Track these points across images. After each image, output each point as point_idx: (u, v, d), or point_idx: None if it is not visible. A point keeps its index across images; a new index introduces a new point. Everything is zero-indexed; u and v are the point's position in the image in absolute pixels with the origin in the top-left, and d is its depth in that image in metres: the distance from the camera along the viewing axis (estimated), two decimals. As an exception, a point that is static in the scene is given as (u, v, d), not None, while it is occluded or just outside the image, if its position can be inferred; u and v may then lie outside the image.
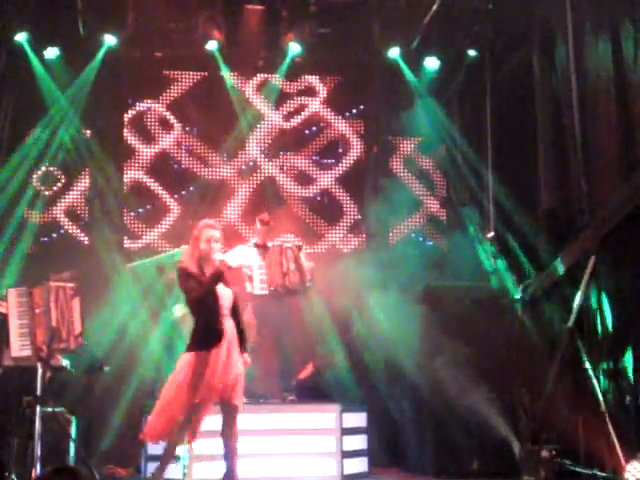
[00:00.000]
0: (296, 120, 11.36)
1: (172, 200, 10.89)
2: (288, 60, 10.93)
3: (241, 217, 10.94)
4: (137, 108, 10.97)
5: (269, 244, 9.04)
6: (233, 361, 6.54)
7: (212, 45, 10.65)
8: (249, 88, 11.27)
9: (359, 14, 10.63)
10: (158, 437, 6.60)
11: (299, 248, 9.00)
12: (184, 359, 6.49)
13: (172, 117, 11.02)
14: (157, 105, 11.01)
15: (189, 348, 6.51)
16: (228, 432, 6.70)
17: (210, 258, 6.53)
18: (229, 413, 6.67)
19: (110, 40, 10.37)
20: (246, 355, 6.76)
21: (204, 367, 6.39)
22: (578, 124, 9.03)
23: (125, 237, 10.62)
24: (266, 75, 11.28)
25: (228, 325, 6.56)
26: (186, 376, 6.40)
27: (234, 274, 8.95)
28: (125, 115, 10.93)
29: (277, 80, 11.23)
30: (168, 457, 6.67)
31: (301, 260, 8.88)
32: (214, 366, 6.41)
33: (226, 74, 10.95)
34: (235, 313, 6.70)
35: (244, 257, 8.96)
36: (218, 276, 6.48)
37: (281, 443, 8.06)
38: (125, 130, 10.89)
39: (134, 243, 10.64)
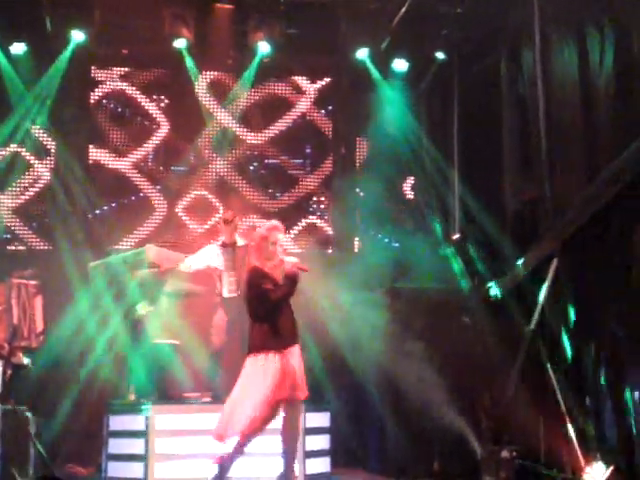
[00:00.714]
0: (265, 120, 11.32)
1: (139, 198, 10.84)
2: (257, 60, 10.88)
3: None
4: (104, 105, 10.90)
5: (240, 243, 8.98)
6: (296, 359, 6.60)
7: (180, 43, 10.59)
8: (217, 86, 11.22)
9: (328, 15, 10.62)
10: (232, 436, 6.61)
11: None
12: (256, 360, 6.52)
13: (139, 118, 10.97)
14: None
15: (260, 348, 6.53)
16: (292, 430, 6.76)
17: (274, 259, 6.59)
18: (295, 410, 6.72)
19: (78, 37, 10.28)
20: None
21: (278, 366, 6.46)
22: (543, 128, 9.09)
23: (87, 235, 10.52)
24: (234, 74, 11.23)
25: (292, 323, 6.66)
26: (264, 376, 6.45)
27: (205, 274, 8.98)
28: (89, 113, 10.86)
29: (246, 79, 11.19)
30: (236, 456, 6.69)
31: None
32: (286, 365, 6.49)
33: (193, 72, 10.88)
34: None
35: (209, 258, 8.95)
36: (297, 279, 6.54)
37: (243, 443, 8.02)
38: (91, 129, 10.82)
39: (97, 242, 10.55)
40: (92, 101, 10.92)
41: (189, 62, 10.76)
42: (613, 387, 7.74)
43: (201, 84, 11.09)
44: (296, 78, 11.41)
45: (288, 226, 11.00)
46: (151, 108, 11.05)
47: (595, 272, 8.25)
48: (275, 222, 6.86)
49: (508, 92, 10.28)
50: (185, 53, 10.70)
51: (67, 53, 10.32)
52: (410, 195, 11.46)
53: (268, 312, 6.56)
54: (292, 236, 11.16)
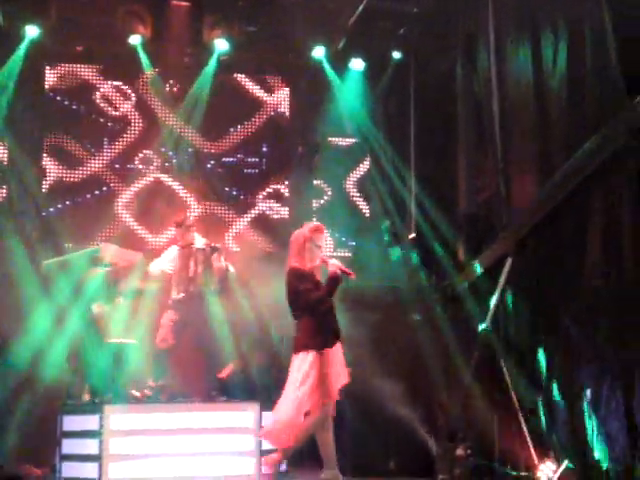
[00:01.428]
0: (221, 118, 11.29)
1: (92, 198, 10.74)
2: (215, 58, 10.84)
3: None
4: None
5: (198, 245, 8.95)
6: (338, 358, 6.63)
7: (135, 40, 10.51)
8: (173, 84, 11.16)
9: (286, 14, 10.61)
10: (287, 438, 6.61)
11: (214, 249, 8.90)
12: (305, 359, 6.51)
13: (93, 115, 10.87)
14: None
15: (308, 347, 6.52)
16: (331, 431, 6.73)
17: (315, 261, 6.60)
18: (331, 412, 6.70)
19: (32, 32, 10.15)
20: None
21: (328, 366, 6.47)
22: (498, 129, 9.19)
23: (43, 233, 10.41)
24: (191, 71, 11.18)
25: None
26: (315, 376, 6.46)
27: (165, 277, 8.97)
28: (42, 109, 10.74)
29: (205, 78, 11.15)
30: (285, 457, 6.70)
31: (213, 263, 8.82)
32: (337, 364, 6.52)
33: (148, 69, 10.80)
34: None
35: (171, 260, 8.92)
36: (339, 280, 6.53)
37: (199, 442, 8.00)
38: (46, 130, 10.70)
39: (48, 241, 10.44)
40: (45, 97, 10.77)
41: (144, 59, 10.67)
42: (566, 385, 7.83)
43: (156, 81, 11.00)
44: (254, 76, 11.35)
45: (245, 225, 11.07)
46: (106, 106, 10.93)
47: (549, 271, 8.35)
48: (318, 223, 6.89)
49: (463, 92, 10.37)
50: (140, 50, 10.60)
51: (22, 49, 10.18)
52: (365, 195, 11.46)
53: (308, 312, 6.56)
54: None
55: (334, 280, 6.57)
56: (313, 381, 6.48)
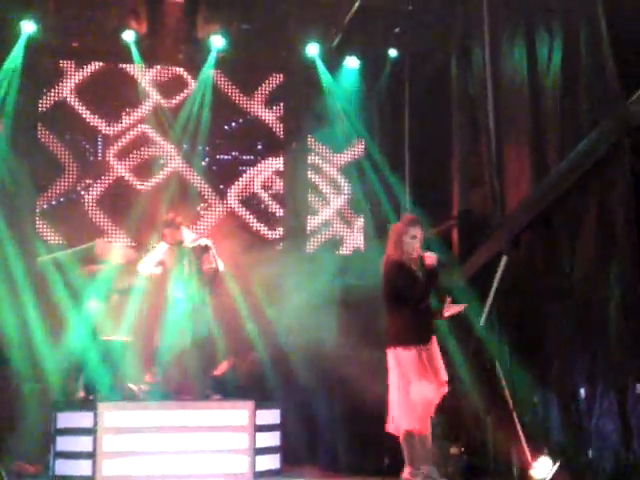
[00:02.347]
0: (217, 115, 11.26)
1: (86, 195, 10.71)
2: (213, 55, 10.81)
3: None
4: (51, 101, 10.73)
5: (188, 243, 8.94)
6: (435, 352, 6.56)
7: (129, 36, 10.49)
8: (166, 81, 11.14)
9: (280, 10, 10.61)
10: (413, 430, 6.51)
11: (204, 249, 8.88)
12: (403, 355, 6.44)
13: (85, 110, 10.82)
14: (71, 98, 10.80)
15: (405, 342, 6.45)
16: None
17: (412, 253, 6.51)
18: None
19: (28, 28, 10.12)
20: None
21: (427, 360, 6.40)
22: (493, 127, 9.19)
23: (36, 230, 10.38)
24: (185, 69, 11.17)
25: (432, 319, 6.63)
26: (416, 372, 6.39)
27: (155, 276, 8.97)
28: (39, 107, 10.69)
29: (197, 75, 11.14)
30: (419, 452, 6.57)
31: (203, 263, 8.81)
32: (435, 359, 6.46)
33: (139, 66, 10.75)
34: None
35: (161, 257, 8.92)
36: (436, 274, 6.49)
37: (193, 440, 8.01)
38: (39, 123, 10.65)
39: (45, 236, 10.41)
40: (41, 94, 10.74)
41: (136, 55, 10.63)
42: (560, 384, 7.84)
43: (149, 77, 10.97)
44: (248, 73, 11.32)
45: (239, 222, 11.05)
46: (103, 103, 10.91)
47: (543, 269, 8.37)
48: (414, 215, 6.83)
49: (458, 91, 10.38)
50: (133, 46, 10.56)
51: (21, 45, 10.14)
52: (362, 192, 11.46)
53: (406, 307, 6.50)
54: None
55: (433, 275, 6.51)
56: (414, 376, 6.43)
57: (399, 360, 6.49)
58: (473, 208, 9.93)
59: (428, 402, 6.49)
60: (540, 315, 8.23)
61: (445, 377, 6.52)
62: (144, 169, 10.95)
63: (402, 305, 6.53)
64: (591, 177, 7.64)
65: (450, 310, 6.69)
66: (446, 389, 6.58)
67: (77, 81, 10.77)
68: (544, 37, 8.57)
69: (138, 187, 10.85)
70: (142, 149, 10.97)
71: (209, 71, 10.97)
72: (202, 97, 10.98)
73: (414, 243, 6.53)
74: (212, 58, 10.85)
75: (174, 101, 11.09)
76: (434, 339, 6.59)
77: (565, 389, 7.73)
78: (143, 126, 10.95)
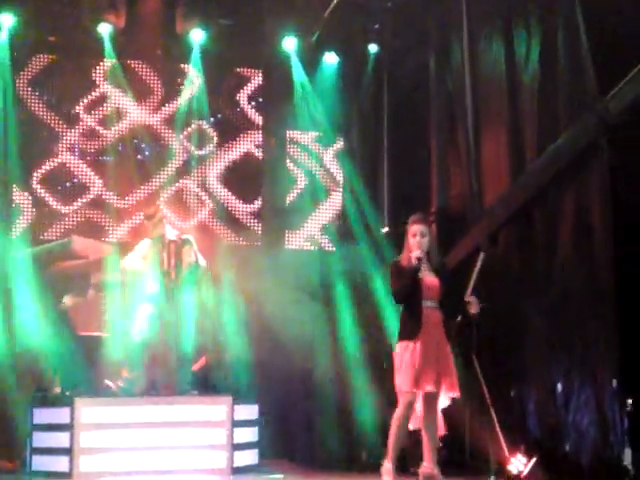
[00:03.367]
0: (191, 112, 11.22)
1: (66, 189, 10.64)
2: (197, 50, 10.76)
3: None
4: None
5: (171, 237, 8.91)
6: (444, 351, 6.53)
7: (104, 29, 10.42)
8: (147, 76, 11.08)
9: (258, 6, 10.59)
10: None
11: (185, 242, 8.85)
12: (397, 349, 6.53)
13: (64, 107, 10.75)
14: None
15: (398, 338, 6.54)
16: (431, 424, 6.55)
17: (412, 251, 6.52)
18: (433, 404, 6.54)
19: (7, 21, 10.04)
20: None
21: (412, 356, 6.38)
22: (471, 123, 9.23)
23: (12, 225, 10.28)
24: (166, 64, 11.12)
25: (434, 314, 6.55)
26: (399, 365, 6.45)
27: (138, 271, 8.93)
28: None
29: (177, 70, 11.10)
30: (393, 448, 6.56)
31: (183, 255, 8.79)
32: (424, 356, 6.39)
33: (111, 58, 10.66)
34: (443, 301, 6.65)
35: (145, 253, 8.89)
36: (413, 271, 6.45)
37: (171, 436, 7.99)
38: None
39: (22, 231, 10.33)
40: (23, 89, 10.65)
41: (108, 49, 10.52)
42: (537, 377, 7.89)
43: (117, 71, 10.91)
44: (227, 68, 11.29)
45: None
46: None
47: (520, 265, 8.41)
48: (416, 214, 6.79)
49: (437, 87, 10.40)
50: (107, 41, 10.47)
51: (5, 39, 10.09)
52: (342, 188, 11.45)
53: (403, 304, 6.59)
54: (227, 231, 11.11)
55: (410, 272, 6.50)
56: (398, 371, 6.49)
57: (395, 354, 6.60)
58: (451, 204, 9.96)
59: (412, 396, 6.50)
60: (517, 310, 8.27)
61: (436, 373, 6.44)
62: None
63: (397, 303, 6.68)
64: (569, 173, 7.69)
65: (473, 307, 6.81)
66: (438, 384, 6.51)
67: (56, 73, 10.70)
68: (522, 34, 8.62)
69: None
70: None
71: (195, 66, 10.94)
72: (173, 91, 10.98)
73: (415, 242, 6.56)
74: (196, 53, 10.79)
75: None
76: (430, 336, 6.51)
77: (542, 383, 7.77)
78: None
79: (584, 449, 7.12)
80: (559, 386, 7.49)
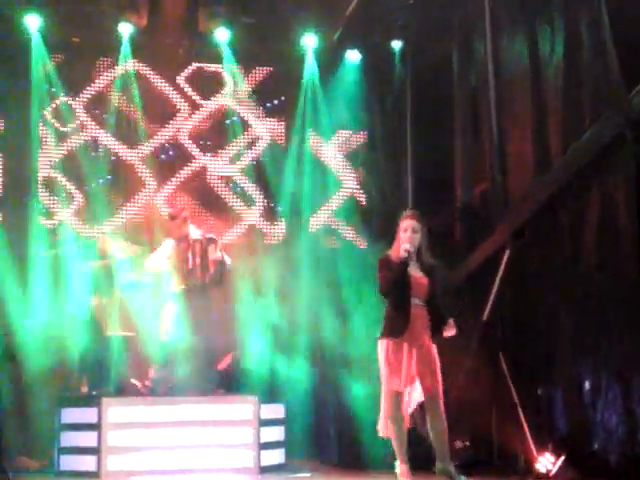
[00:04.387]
0: (215, 109, 11.24)
1: (89, 189, 10.66)
2: (228, 49, 10.81)
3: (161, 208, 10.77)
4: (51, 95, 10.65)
5: (195, 236, 8.94)
6: (429, 350, 6.53)
7: (125, 29, 10.44)
8: (168, 76, 11.12)
9: (281, 3, 10.59)
10: (385, 429, 6.60)
11: (209, 241, 8.89)
12: (378, 346, 6.55)
13: (89, 104, 10.77)
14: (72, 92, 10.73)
15: (381, 335, 6.56)
16: (433, 423, 6.54)
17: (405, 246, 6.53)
18: (432, 404, 6.53)
19: (34, 22, 10.07)
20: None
21: (397, 354, 6.43)
22: (495, 120, 9.18)
23: (39, 225, 10.33)
24: (187, 64, 11.15)
25: (421, 313, 6.56)
26: (384, 364, 6.49)
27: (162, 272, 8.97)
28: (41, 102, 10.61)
29: (198, 69, 11.14)
30: (397, 448, 6.59)
31: (208, 254, 8.80)
32: (408, 353, 6.42)
33: (126, 57, 10.63)
34: (431, 301, 6.64)
35: (168, 253, 8.92)
36: (400, 267, 6.47)
37: (198, 435, 8.02)
38: (40, 119, 10.59)
39: (49, 232, 10.36)
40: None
41: (125, 48, 10.52)
42: (564, 375, 7.84)
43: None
44: (250, 66, 11.29)
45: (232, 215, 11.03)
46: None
47: (546, 262, 8.36)
48: (409, 210, 6.85)
49: (460, 83, 10.36)
50: (126, 39, 10.48)
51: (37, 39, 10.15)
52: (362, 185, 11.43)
53: (384, 298, 6.59)
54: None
55: (396, 265, 6.52)
56: (382, 368, 6.54)
57: (378, 351, 6.60)
58: (475, 201, 9.92)
59: (395, 394, 6.52)
60: (543, 308, 8.23)
61: (416, 371, 6.45)
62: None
63: (384, 297, 6.65)
64: (593, 169, 7.63)
65: (449, 332, 6.72)
66: (422, 384, 6.50)
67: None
68: (546, 29, 8.56)
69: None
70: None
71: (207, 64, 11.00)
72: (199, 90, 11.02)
73: (405, 236, 6.56)
74: (227, 52, 10.84)
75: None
76: (413, 334, 6.52)
77: (569, 382, 7.73)
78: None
79: (612, 447, 7.06)
80: (586, 384, 7.44)
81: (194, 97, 11.11)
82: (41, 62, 10.27)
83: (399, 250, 6.53)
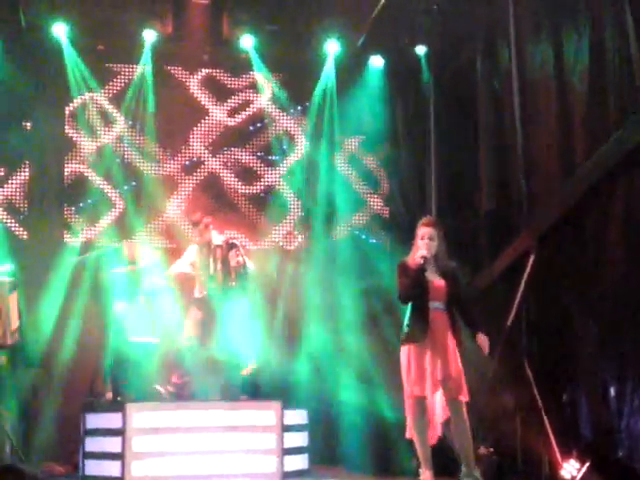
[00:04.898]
0: (241, 116, 11.29)
1: (115, 195, 10.72)
2: (256, 56, 10.91)
3: (184, 214, 10.81)
4: (79, 101, 10.74)
5: (217, 241, 8.97)
6: (452, 354, 6.55)
7: (150, 37, 10.52)
8: (192, 83, 11.17)
9: (304, 11, 10.61)
10: (410, 434, 6.65)
11: (231, 246, 8.91)
12: (401, 352, 6.60)
13: (115, 111, 10.83)
14: (100, 97, 10.81)
15: (402, 340, 6.60)
16: (457, 428, 6.57)
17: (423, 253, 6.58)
18: (455, 408, 6.55)
19: (60, 31, 10.20)
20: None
21: (419, 359, 6.45)
22: (519, 124, 9.14)
23: (65, 232, 10.42)
24: (210, 70, 11.19)
25: (441, 317, 6.58)
26: (406, 370, 6.52)
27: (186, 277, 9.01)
28: (67, 108, 10.71)
29: (222, 75, 11.19)
30: (421, 455, 6.61)
31: (229, 259, 8.83)
32: (432, 358, 6.44)
33: (149, 65, 10.70)
34: (451, 304, 6.67)
35: (192, 259, 8.95)
36: (417, 272, 6.51)
37: (221, 440, 8.03)
38: (66, 124, 10.68)
39: (75, 238, 10.44)
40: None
41: (146, 54, 10.60)
42: (589, 381, 7.79)
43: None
44: (270, 74, 11.30)
45: (255, 221, 11.05)
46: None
47: (571, 268, 8.31)
48: (426, 217, 6.90)
49: (484, 88, 10.32)
50: (149, 46, 10.56)
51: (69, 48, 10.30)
52: (387, 191, 11.41)
53: (410, 305, 6.60)
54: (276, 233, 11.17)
55: (413, 274, 6.54)
56: (404, 374, 6.57)
57: (401, 357, 6.62)
58: (500, 207, 9.87)
59: (418, 400, 6.49)
60: (568, 314, 8.17)
61: (440, 376, 6.45)
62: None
63: (403, 303, 6.67)
64: (618, 175, 7.58)
65: (482, 345, 6.72)
66: (445, 388, 6.49)
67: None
68: (571, 34, 8.51)
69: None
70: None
71: (232, 70, 11.10)
72: (223, 97, 11.10)
73: (422, 244, 6.60)
74: (256, 59, 10.94)
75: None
76: (435, 338, 6.53)
77: (594, 388, 7.67)
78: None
79: (638, 454, 7.00)
80: (612, 390, 7.38)
81: (214, 103, 11.19)
82: (76, 68, 10.41)
83: (415, 256, 6.55)
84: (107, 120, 10.77)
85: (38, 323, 9.39)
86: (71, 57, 10.34)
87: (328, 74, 11.08)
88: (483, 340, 6.70)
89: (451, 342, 6.57)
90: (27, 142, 10.37)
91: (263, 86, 11.16)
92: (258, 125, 11.33)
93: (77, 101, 10.66)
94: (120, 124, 10.80)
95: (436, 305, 6.57)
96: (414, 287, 6.51)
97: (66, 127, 10.66)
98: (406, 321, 6.64)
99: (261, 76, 11.13)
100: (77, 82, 10.42)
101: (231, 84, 11.30)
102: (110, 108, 10.80)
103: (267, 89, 11.19)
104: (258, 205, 11.15)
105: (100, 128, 10.73)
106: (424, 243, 6.60)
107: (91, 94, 10.65)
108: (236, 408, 8.26)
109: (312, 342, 9.84)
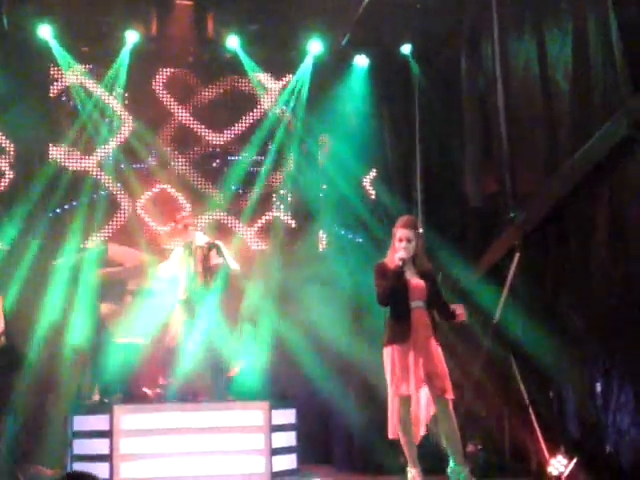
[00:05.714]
0: (227, 116, 11.27)
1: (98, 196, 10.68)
2: (245, 58, 10.91)
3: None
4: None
5: (199, 242, 8.96)
6: (435, 352, 6.52)
7: (132, 37, 10.47)
8: (176, 83, 11.16)
9: (289, 11, 10.60)
10: (394, 434, 6.61)
11: (211, 246, 8.90)
12: (384, 354, 6.57)
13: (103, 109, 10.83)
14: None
15: (385, 342, 6.57)
16: (444, 425, 6.51)
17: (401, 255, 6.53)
18: (441, 406, 6.49)
19: (45, 33, 10.17)
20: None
21: (403, 359, 6.42)
22: (504, 122, 9.17)
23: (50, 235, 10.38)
24: (195, 72, 11.19)
25: (423, 315, 6.55)
26: (390, 370, 6.50)
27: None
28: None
29: (207, 76, 11.19)
30: (408, 454, 6.61)
31: (210, 260, 8.82)
32: (415, 357, 6.41)
33: (123, 68, 10.65)
34: (431, 304, 6.64)
35: (178, 261, 8.95)
36: (396, 275, 6.47)
37: (209, 441, 8.03)
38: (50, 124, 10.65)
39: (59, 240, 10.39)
40: (51, 97, 10.72)
41: (125, 56, 10.54)
42: (576, 378, 7.82)
43: (158, 81, 10.99)
44: (259, 74, 11.28)
45: (251, 223, 11.03)
46: (112, 103, 10.87)
47: (556, 265, 8.34)
48: (405, 217, 6.83)
49: (468, 86, 10.34)
50: (130, 47, 10.52)
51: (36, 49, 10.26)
52: (372, 190, 11.41)
53: (389, 307, 6.58)
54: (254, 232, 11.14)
55: (391, 273, 6.51)
56: (389, 374, 6.54)
57: (384, 359, 6.60)
58: (486, 204, 9.89)
59: (403, 400, 6.50)
60: (555, 309, 8.20)
61: (424, 372, 6.41)
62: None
63: (383, 305, 6.63)
64: (603, 172, 7.61)
65: (460, 317, 6.72)
66: (431, 386, 6.44)
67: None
68: (554, 31, 8.54)
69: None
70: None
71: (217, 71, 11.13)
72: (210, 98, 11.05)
73: (401, 246, 6.55)
74: (246, 61, 10.95)
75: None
76: (417, 337, 6.49)
77: (581, 384, 7.70)
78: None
79: (625, 450, 7.04)
80: (598, 386, 7.41)
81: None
82: (66, 64, 10.44)
83: (393, 258, 6.55)
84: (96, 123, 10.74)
85: (24, 325, 9.34)
86: (60, 54, 10.34)
87: (304, 72, 11.07)
88: (459, 308, 6.72)
89: (433, 339, 6.57)
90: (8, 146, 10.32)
91: (248, 86, 11.13)
92: (241, 125, 11.29)
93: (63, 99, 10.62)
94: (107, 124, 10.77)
95: (417, 304, 6.56)
96: (393, 289, 6.48)
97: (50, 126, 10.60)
98: (387, 322, 6.62)
99: (246, 75, 11.10)
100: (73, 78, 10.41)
101: (215, 85, 11.25)
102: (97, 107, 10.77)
103: (252, 89, 11.16)
104: (240, 204, 11.13)
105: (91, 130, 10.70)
106: (402, 246, 6.55)
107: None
108: (224, 409, 8.26)
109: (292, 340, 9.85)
